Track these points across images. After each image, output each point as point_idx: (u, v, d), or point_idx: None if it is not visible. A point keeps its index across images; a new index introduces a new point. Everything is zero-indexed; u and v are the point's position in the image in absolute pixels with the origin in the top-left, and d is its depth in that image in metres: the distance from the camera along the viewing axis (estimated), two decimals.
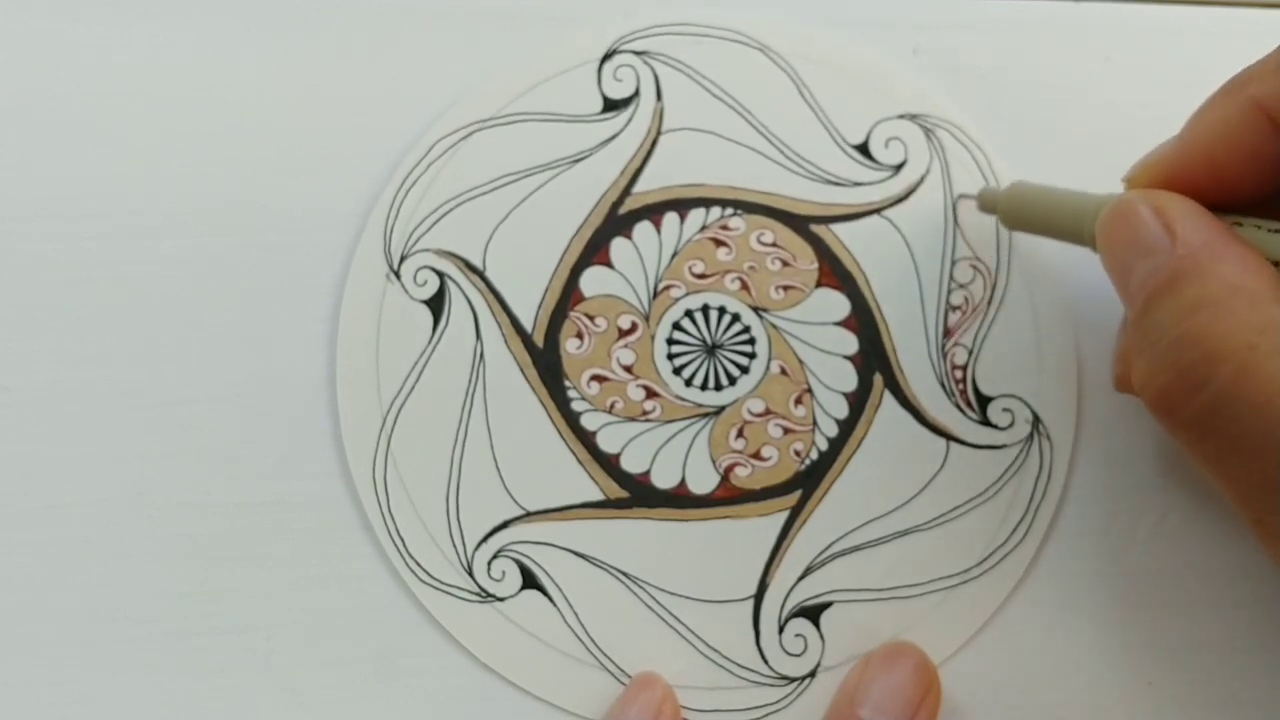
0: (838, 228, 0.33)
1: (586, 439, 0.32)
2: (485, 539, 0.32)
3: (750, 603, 0.32)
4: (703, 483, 0.32)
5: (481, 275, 0.33)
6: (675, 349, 0.33)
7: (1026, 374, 0.33)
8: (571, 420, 0.32)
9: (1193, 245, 0.26)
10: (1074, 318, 0.33)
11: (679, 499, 0.32)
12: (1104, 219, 0.28)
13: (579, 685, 0.31)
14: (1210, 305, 0.25)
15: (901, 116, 0.34)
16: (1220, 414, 0.24)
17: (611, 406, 0.32)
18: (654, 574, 0.32)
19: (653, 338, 0.33)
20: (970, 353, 0.33)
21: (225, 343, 0.32)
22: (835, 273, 0.33)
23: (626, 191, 0.33)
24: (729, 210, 0.33)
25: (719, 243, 0.33)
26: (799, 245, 0.33)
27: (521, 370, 0.32)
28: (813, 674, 0.31)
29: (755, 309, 0.33)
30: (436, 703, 0.31)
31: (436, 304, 0.33)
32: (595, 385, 0.32)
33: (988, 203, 0.33)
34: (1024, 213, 0.31)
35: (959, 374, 0.33)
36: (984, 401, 0.33)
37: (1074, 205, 0.30)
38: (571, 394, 0.32)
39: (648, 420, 0.32)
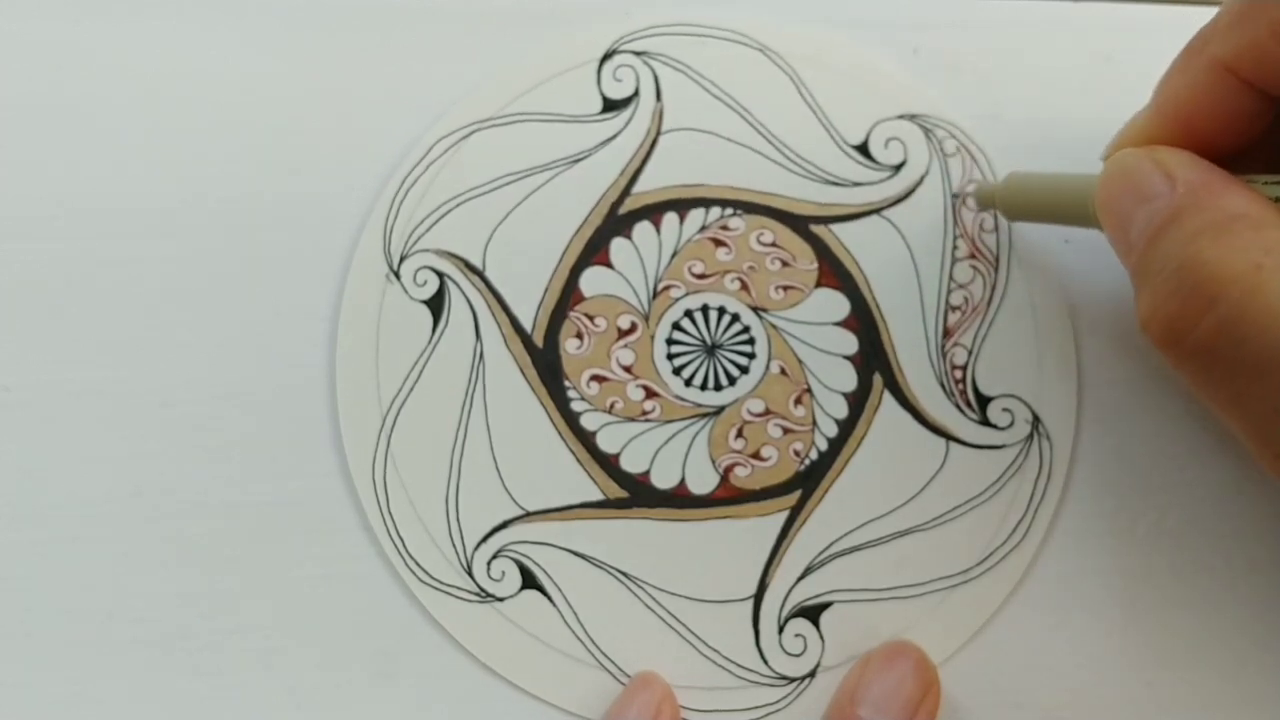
0: (837, 228, 0.33)
1: (586, 439, 0.32)
2: (485, 539, 0.32)
3: (750, 603, 0.32)
4: (702, 483, 0.32)
5: (481, 275, 0.33)
6: (675, 349, 0.33)
7: (1026, 374, 0.33)
8: (571, 420, 0.32)
9: (1193, 185, 0.26)
10: (1074, 317, 0.33)
11: (679, 499, 0.32)
12: (1102, 178, 0.28)
13: (579, 685, 0.31)
14: (1214, 230, 0.25)
15: (901, 117, 0.34)
16: (1228, 336, 0.24)
17: (611, 406, 0.32)
18: (654, 574, 0.32)
19: (652, 338, 0.33)
20: (970, 353, 0.33)
21: (225, 343, 0.32)
22: (835, 273, 0.33)
23: (626, 191, 0.33)
24: (728, 210, 0.33)
25: (718, 243, 0.33)
26: (799, 245, 0.33)
27: (521, 370, 0.32)
28: (812, 674, 0.31)
29: (755, 309, 0.33)
30: (436, 703, 0.31)
31: (436, 304, 0.33)
32: (595, 385, 0.32)
33: (985, 198, 0.33)
34: (1024, 201, 0.31)
35: (959, 374, 0.33)
36: (984, 401, 0.33)
37: (1073, 185, 0.30)
38: (571, 394, 0.32)
39: (647, 420, 0.32)
